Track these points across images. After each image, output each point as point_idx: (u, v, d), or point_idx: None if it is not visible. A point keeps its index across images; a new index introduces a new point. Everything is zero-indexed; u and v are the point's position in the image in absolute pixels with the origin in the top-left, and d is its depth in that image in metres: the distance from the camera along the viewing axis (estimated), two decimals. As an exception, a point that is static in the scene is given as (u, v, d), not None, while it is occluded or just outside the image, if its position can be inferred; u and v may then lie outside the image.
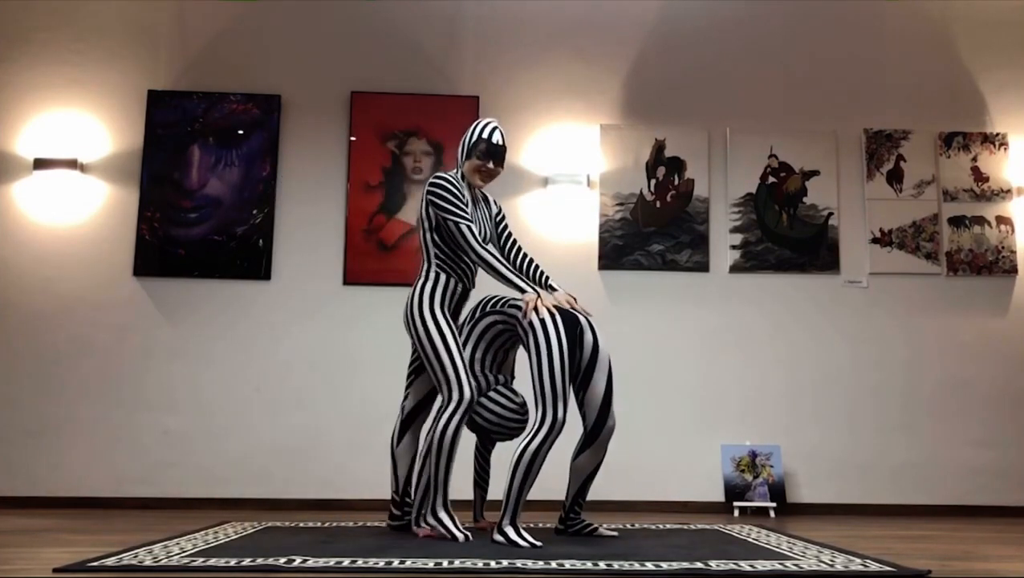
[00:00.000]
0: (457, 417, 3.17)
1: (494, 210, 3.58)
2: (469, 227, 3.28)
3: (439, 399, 3.36)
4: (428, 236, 3.37)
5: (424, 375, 3.45)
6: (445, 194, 3.31)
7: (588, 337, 3.29)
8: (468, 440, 3.57)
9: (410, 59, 4.96)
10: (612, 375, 3.32)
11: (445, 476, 3.20)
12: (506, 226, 3.61)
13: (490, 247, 3.31)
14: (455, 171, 3.46)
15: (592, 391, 3.29)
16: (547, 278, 3.49)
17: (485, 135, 3.41)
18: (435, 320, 3.25)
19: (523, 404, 3.33)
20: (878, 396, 4.81)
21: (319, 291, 4.76)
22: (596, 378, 3.28)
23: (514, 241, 3.59)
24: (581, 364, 3.28)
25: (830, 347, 4.85)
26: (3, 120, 4.78)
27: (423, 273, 3.36)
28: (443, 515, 3.20)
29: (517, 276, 3.25)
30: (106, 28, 4.89)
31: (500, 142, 3.43)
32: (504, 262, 3.28)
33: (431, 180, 3.37)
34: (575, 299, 3.39)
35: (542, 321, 3.16)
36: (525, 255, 3.57)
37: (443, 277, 3.34)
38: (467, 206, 3.34)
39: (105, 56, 4.87)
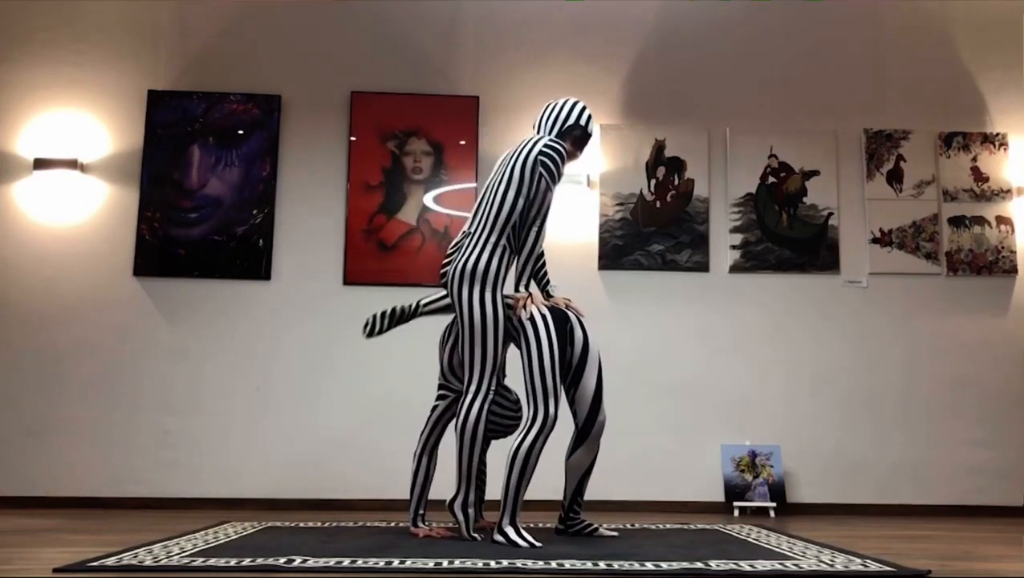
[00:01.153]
0: (486, 408, 3.17)
1: None
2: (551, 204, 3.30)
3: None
4: (520, 203, 3.25)
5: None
6: (560, 165, 3.28)
7: (578, 334, 3.30)
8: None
9: (410, 59, 4.96)
10: (602, 370, 3.33)
11: (470, 466, 3.18)
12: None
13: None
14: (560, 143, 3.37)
15: (583, 387, 3.30)
16: (547, 282, 3.50)
17: (583, 122, 3.40)
18: (495, 308, 3.18)
19: (516, 401, 3.33)
20: (878, 396, 4.81)
21: (319, 291, 4.76)
22: (587, 374, 3.30)
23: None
24: (572, 361, 3.29)
25: (830, 347, 4.85)
26: (3, 120, 4.78)
27: (489, 241, 3.23)
28: (459, 512, 3.21)
29: (527, 276, 3.25)
30: (106, 28, 4.89)
31: (592, 132, 3.46)
32: (537, 254, 3.30)
33: (551, 145, 3.28)
34: (570, 301, 3.42)
35: (531, 318, 3.17)
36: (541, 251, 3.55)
37: (507, 254, 3.25)
38: None
39: (105, 56, 4.87)
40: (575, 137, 3.40)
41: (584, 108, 3.43)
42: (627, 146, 4.93)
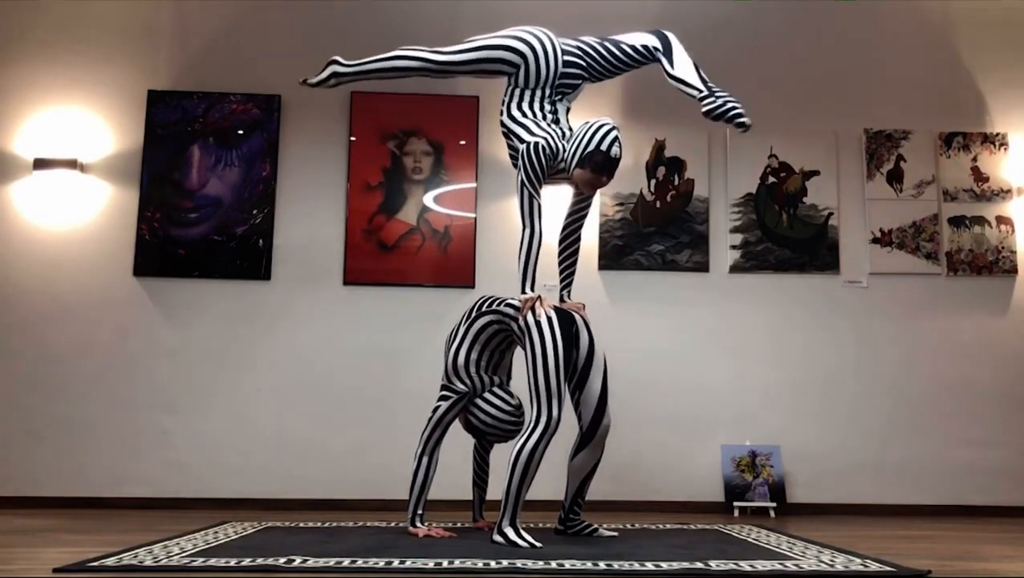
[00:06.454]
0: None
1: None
2: (538, 204, 3.21)
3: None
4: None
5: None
6: (532, 162, 3.21)
7: (584, 336, 3.30)
8: (465, 441, 3.58)
9: (410, 59, 4.94)
10: (607, 373, 3.32)
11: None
12: (583, 215, 3.55)
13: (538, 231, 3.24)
14: (553, 140, 3.27)
15: (588, 390, 3.29)
16: (567, 286, 3.51)
17: (603, 146, 3.19)
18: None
19: (519, 405, 3.32)
20: (878, 396, 4.81)
21: (319, 291, 4.76)
22: (592, 377, 3.29)
23: (577, 233, 3.57)
24: (577, 363, 3.29)
25: (830, 347, 4.84)
26: (3, 120, 4.77)
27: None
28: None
29: (530, 277, 3.23)
30: (106, 28, 4.89)
31: (618, 155, 3.22)
32: (533, 256, 3.23)
33: (529, 144, 3.24)
34: (583, 306, 3.42)
35: (537, 321, 3.16)
36: (575, 251, 3.56)
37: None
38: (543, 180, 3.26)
39: (105, 56, 4.87)
40: (596, 164, 3.20)
41: (608, 132, 3.21)
42: (627, 146, 4.86)
